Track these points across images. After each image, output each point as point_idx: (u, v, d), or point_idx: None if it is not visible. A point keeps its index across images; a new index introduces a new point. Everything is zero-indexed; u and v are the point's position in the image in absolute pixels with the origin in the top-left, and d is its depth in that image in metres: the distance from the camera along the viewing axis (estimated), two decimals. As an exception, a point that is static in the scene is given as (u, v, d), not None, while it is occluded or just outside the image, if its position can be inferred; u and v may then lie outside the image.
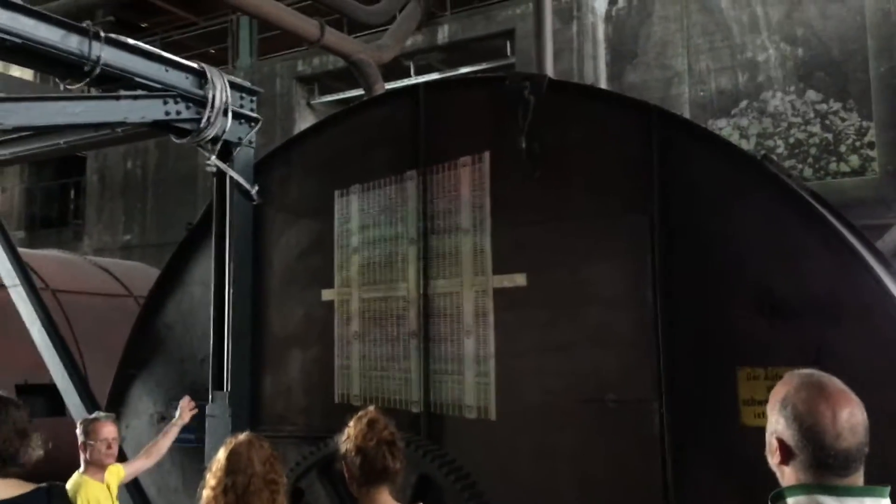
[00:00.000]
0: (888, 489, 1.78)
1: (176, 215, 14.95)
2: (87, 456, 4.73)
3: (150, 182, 16.19)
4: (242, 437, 3.10)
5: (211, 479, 3.00)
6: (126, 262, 12.85)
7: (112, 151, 16.18)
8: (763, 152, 5.66)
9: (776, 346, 4.30)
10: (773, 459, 1.87)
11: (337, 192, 5.89)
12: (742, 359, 4.34)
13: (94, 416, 4.99)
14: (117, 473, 4.98)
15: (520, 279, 5.06)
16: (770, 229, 4.40)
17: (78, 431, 4.83)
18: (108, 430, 4.77)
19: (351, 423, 2.93)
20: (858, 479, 1.80)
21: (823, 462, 1.78)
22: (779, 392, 1.91)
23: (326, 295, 5.87)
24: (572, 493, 4.73)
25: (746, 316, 4.39)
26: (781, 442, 1.83)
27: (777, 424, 1.86)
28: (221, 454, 3.05)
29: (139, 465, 5.26)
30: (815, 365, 4.11)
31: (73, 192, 18.36)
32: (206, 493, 3.04)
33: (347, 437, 2.93)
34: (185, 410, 5.51)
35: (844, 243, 4.31)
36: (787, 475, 1.82)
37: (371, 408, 3.01)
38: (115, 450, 4.81)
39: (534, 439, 4.88)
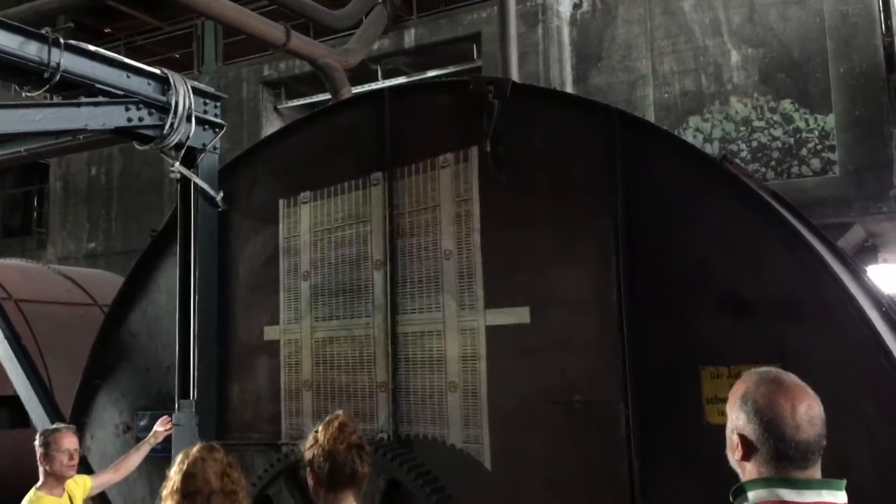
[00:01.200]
0: (844, 482, 1.82)
1: (142, 222, 14.77)
2: (48, 468, 4.65)
3: (115, 189, 15.99)
4: (195, 451, 3.04)
5: (167, 498, 2.93)
6: (91, 271, 12.68)
7: (76, 158, 15.95)
8: (724, 153, 5.72)
9: (739, 344, 4.36)
10: (734, 456, 1.90)
11: (282, 202, 5.84)
12: (705, 358, 4.39)
13: (53, 427, 4.91)
14: (83, 485, 4.91)
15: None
16: (731, 230, 4.47)
17: (37, 444, 4.73)
18: (69, 441, 4.69)
19: (319, 428, 2.91)
20: (816, 471, 1.85)
21: (784, 454, 1.82)
22: (738, 389, 1.95)
23: (269, 333, 5.78)
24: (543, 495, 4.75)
25: (709, 315, 4.45)
26: (743, 437, 1.87)
27: (738, 420, 1.90)
28: (175, 475, 2.99)
29: (107, 478, 5.18)
30: (777, 363, 4.19)
31: (36, 200, 18.08)
32: None
33: (315, 443, 2.90)
34: (159, 430, 5.42)
35: (804, 243, 4.38)
36: (747, 470, 1.85)
37: (340, 412, 2.99)
38: (76, 461, 4.73)
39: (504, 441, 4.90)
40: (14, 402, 7.37)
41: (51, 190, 16.89)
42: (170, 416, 5.57)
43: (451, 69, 12.96)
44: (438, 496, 4.74)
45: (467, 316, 5.10)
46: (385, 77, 13.53)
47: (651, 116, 10.73)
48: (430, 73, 13.19)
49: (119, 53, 5.99)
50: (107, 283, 11.07)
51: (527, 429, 4.84)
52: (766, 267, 4.38)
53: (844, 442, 4.01)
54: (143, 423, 6.03)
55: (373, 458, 3.74)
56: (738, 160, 9.32)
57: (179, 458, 2.97)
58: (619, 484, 4.52)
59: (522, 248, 4.98)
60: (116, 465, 5.24)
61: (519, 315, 4.94)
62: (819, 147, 10.04)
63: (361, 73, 12.98)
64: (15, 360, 6.49)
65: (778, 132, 10.24)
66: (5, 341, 6.53)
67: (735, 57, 10.60)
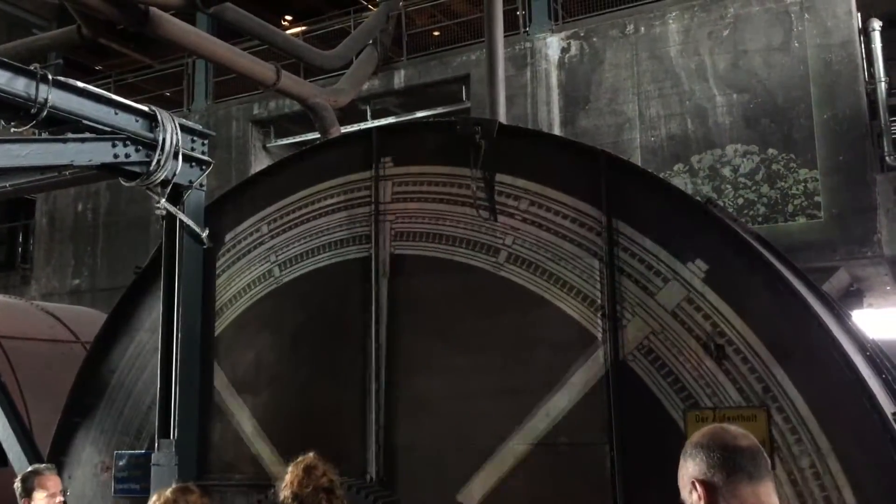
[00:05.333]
0: None
1: (127, 259, 14.68)
2: None
3: (102, 225, 15.93)
4: (168, 493, 3.02)
5: None
6: (75, 308, 12.58)
7: (62, 194, 15.91)
8: (707, 197, 5.78)
9: (723, 387, 4.35)
10: None
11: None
12: (690, 401, 4.38)
13: (33, 468, 4.81)
14: None
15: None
16: (715, 273, 4.48)
17: (16, 486, 4.64)
18: (52, 484, 4.60)
19: (289, 469, 2.89)
20: (770, 487, 1.88)
21: (734, 463, 1.87)
22: (685, 453, 2.01)
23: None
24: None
25: (694, 358, 4.44)
26: (698, 482, 1.88)
27: (690, 470, 1.95)
28: None
29: None
30: (761, 406, 4.18)
31: (21, 236, 17.98)
32: None
33: (286, 484, 2.89)
34: None
35: (788, 286, 4.39)
36: None
37: (311, 454, 2.96)
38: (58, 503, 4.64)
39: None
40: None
41: (36, 226, 16.82)
42: (126, 486, 5.42)
43: (440, 110, 13.07)
44: (420, 540, 4.67)
45: (451, 354, 5.08)
46: (374, 117, 13.63)
47: (637, 159, 10.82)
48: (419, 114, 13.29)
49: (110, 90, 6.01)
50: (90, 320, 10.96)
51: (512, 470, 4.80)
52: (751, 310, 4.39)
53: (824, 486, 4.00)
54: (122, 462, 5.92)
55: (356, 499, 3.69)
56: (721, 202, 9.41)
57: (153, 499, 2.94)
58: (603, 528, 4.48)
59: (510, 286, 4.98)
60: None
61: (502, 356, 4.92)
62: (803, 189, 10.13)
63: (351, 112, 13.07)
64: (-7, 397, 6.40)
65: (760, 175, 10.33)
66: (-16, 378, 6.45)
67: (720, 102, 10.74)
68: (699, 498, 1.87)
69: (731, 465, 1.85)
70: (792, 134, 10.32)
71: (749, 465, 1.86)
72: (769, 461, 1.96)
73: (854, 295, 11.59)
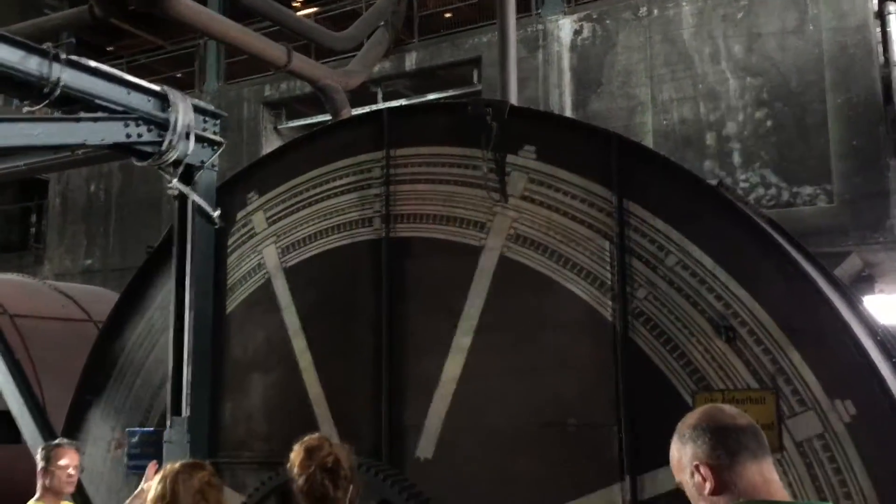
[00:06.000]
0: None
1: (139, 239, 14.75)
2: (46, 482, 4.61)
3: (114, 205, 16.00)
4: (176, 466, 3.05)
5: None
6: (87, 287, 12.66)
7: (75, 174, 15.98)
8: (720, 180, 5.76)
9: (733, 369, 4.35)
10: (706, 493, 1.85)
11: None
12: (700, 382, 4.38)
13: (56, 442, 4.86)
14: None
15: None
16: (727, 255, 4.47)
17: (38, 457, 4.70)
18: (70, 458, 4.65)
19: (294, 448, 2.90)
20: (771, 462, 1.87)
21: (737, 443, 1.85)
22: (681, 436, 1.96)
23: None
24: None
25: (704, 339, 4.45)
26: (702, 465, 1.85)
27: (689, 454, 1.90)
28: (154, 487, 3.01)
29: None
30: (770, 389, 4.19)
31: (34, 216, 18.08)
32: None
33: (290, 464, 2.90)
34: (150, 475, 5.28)
35: (799, 270, 4.39)
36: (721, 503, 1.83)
37: (316, 434, 2.97)
38: (75, 478, 4.69)
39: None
40: (5, 417, 7.33)
41: (49, 206, 16.90)
42: (159, 460, 5.45)
43: (451, 93, 13.03)
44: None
45: (463, 336, 5.10)
46: (385, 99, 13.60)
47: (650, 143, 10.76)
48: (431, 96, 13.26)
49: (121, 72, 6.02)
50: (103, 299, 11.02)
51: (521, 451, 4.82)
52: (762, 293, 4.38)
53: (839, 468, 4.01)
54: (134, 439, 5.97)
55: (365, 479, 3.71)
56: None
57: (161, 472, 2.98)
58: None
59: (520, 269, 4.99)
60: None
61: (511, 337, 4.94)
62: (815, 174, 10.08)
63: (362, 95, 13.05)
64: (8, 375, 6.47)
65: (776, 172, 10.26)
66: (-1, 355, 6.51)
67: (733, 85, 10.66)
68: (704, 480, 1.85)
69: (734, 444, 1.84)
70: (805, 118, 10.24)
71: (752, 444, 1.85)
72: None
73: (866, 280, 11.55)
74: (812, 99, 10.23)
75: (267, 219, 5.95)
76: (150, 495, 2.94)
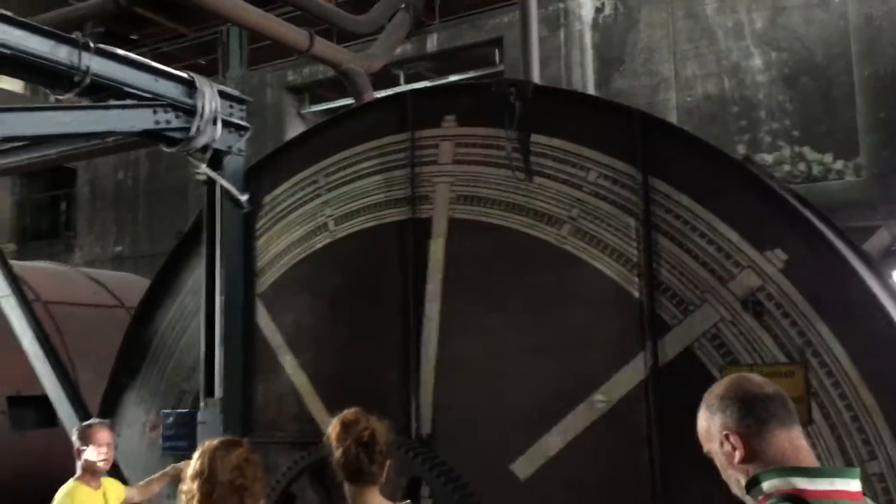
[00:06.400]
0: (858, 471, 1.84)
1: (168, 226, 14.93)
2: (82, 462, 4.73)
3: (142, 192, 16.19)
4: (214, 442, 3.11)
5: (183, 485, 3.04)
6: (118, 274, 12.83)
7: (102, 162, 16.17)
8: (746, 155, 5.74)
9: (762, 344, 4.36)
10: (736, 461, 1.87)
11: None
12: (727, 357, 4.40)
13: (89, 422, 4.98)
14: (119, 491, 4.94)
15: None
16: (753, 230, 4.47)
17: (73, 438, 4.83)
18: (103, 436, 4.76)
19: (332, 423, 2.96)
20: (800, 429, 1.89)
21: (766, 411, 1.86)
22: (710, 406, 1.97)
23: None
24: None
25: (732, 314, 4.46)
26: (732, 434, 1.87)
27: (718, 423, 1.91)
28: (193, 461, 3.09)
29: (131, 494, 5.15)
30: (798, 363, 4.20)
31: (63, 204, 18.33)
32: (181, 499, 3.09)
33: (327, 438, 2.97)
34: (178, 466, 5.34)
35: (827, 244, 4.38)
36: (752, 470, 1.85)
37: (352, 409, 3.03)
38: (109, 456, 4.79)
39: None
40: (40, 402, 7.48)
41: (78, 194, 17.14)
42: (193, 441, 5.54)
43: (473, 74, 13.02)
44: (461, 494, 4.77)
45: (490, 315, 5.14)
46: (407, 81, 13.62)
47: (674, 119, 10.71)
48: (453, 78, 13.25)
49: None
50: (133, 285, 11.18)
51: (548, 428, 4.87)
52: (790, 267, 4.38)
53: (868, 440, 4.01)
54: (169, 421, 6.09)
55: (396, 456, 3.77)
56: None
57: (200, 449, 3.05)
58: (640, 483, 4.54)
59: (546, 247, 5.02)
60: (140, 487, 5.22)
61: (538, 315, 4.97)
62: (844, 149, 9.98)
63: (384, 77, 13.06)
64: (44, 359, 6.60)
65: (804, 147, 10.16)
66: (35, 341, 6.64)
67: (758, 60, 10.56)
68: (733, 448, 1.86)
69: (763, 413, 1.86)
70: (832, 92, 10.14)
71: (780, 411, 1.87)
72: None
73: (894, 254, 11.44)
74: (838, 72, 10.13)
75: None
76: (189, 472, 3.01)
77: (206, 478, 2.93)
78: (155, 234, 15.68)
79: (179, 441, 6.03)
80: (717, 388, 1.96)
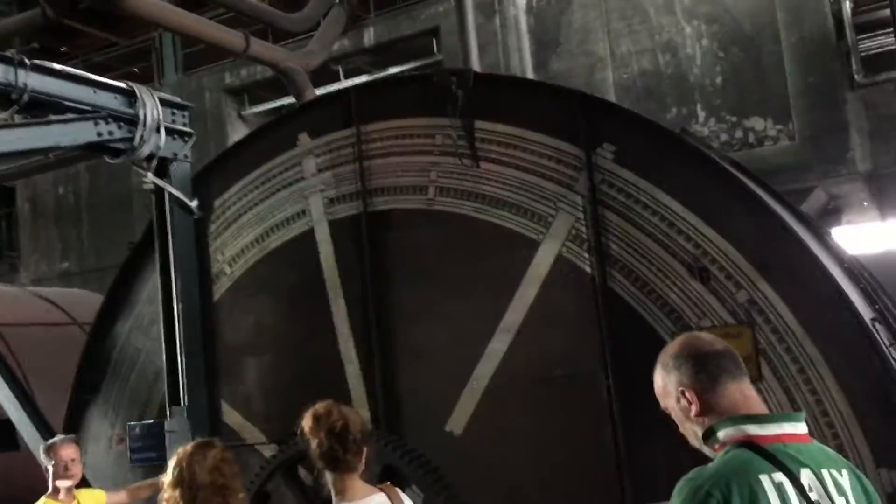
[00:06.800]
0: (803, 414, 1.99)
1: (114, 238, 14.70)
2: (50, 479, 4.73)
3: (84, 206, 15.91)
4: (188, 448, 3.17)
5: (164, 494, 3.10)
6: (67, 290, 12.62)
7: (42, 179, 15.83)
8: (682, 127, 5.92)
9: (709, 307, 4.54)
10: (693, 415, 1.99)
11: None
12: (678, 322, 4.56)
13: (54, 439, 4.98)
14: (98, 498, 4.95)
15: (463, 268, 5.23)
16: (695, 199, 4.64)
17: (41, 457, 4.82)
18: (66, 452, 4.77)
19: (305, 417, 3.04)
20: (748, 381, 2.03)
21: (717, 366, 2.00)
22: (665, 365, 2.09)
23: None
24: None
25: (680, 281, 4.63)
26: (687, 389, 2.00)
27: (674, 380, 2.04)
28: (169, 466, 3.14)
29: (119, 499, 5.16)
30: (745, 324, 4.38)
31: (4, 224, 17.91)
32: None
33: (301, 432, 3.04)
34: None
35: (765, 207, 4.56)
36: (707, 421, 1.98)
37: (326, 402, 3.10)
38: (73, 471, 4.79)
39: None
40: (2, 424, 7.39)
41: (19, 212, 16.77)
42: (143, 455, 5.53)
43: (412, 65, 13.06)
44: (433, 478, 4.88)
45: (447, 301, 5.24)
46: (347, 76, 13.60)
47: (612, 97, 10.89)
48: (392, 70, 13.28)
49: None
50: (85, 301, 11.03)
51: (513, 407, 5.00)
52: (731, 233, 4.56)
53: (815, 390, 4.22)
54: (135, 432, 6.07)
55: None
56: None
57: (175, 456, 3.10)
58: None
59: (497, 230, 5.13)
60: (130, 490, 5.23)
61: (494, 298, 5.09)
62: (777, 115, 10.28)
63: (323, 74, 13.04)
64: (3, 383, 6.51)
65: (738, 115, 10.44)
66: (-9, 364, 6.56)
67: (689, 34, 10.81)
68: (689, 403, 1.99)
69: (714, 368, 1.98)
70: (762, 60, 10.42)
71: (731, 366, 2.00)
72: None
73: (832, 213, 11.84)
74: (767, 40, 10.41)
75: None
76: (168, 479, 3.06)
77: (188, 483, 2.99)
78: (101, 248, 15.43)
79: (149, 452, 6.01)
80: (671, 348, 2.08)
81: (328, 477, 3.03)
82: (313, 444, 3.00)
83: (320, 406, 3.10)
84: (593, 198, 4.86)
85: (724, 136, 10.45)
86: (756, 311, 4.46)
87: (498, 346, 5.06)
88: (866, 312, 4.65)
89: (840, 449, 4.19)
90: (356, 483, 3.02)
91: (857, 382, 4.25)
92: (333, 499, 3.03)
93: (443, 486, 4.90)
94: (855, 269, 5.49)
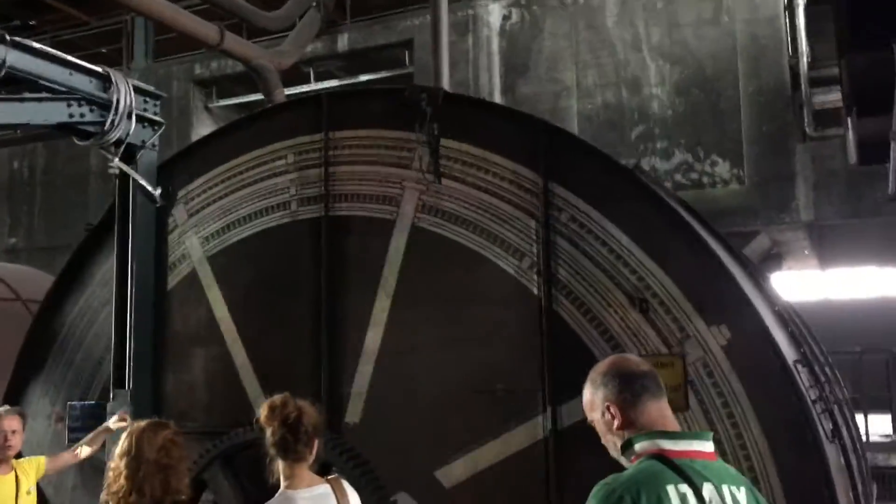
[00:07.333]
0: (711, 434, 2.22)
1: (67, 218, 14.60)
2: None
3: (38, 183, 15.73)
4: (142, 424, 3.32)
5: (111, 464, 3.25)
6: (13, 266, 12.48)
7: (-4, 151, 15.68)
8: (636, 163, 6.19)
9: (645, 336, 4.79)
10: (615, 428, 2.22)
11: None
12: (616, 349, 4.80)
13: None
14: (36, 465, 5.02)
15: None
16: (642, 233, 4.90)
17: None
18: (6, 423, 4.83)
19: (262, 406, 3.20)
20: (666, 401, 2.25)
21: (640, 385, 2.23)
22: (594, 382, 2.31)
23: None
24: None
25: (621, 310, 4.87)
26: (612, 404, 2.22)
27: (601, 396, 2.27)
28: (122, 442, 3.28)
29: (64, 459, 5.21)
30: (678, 354, 4.63)
31: (-47, 194, 17.59)
32: (108, 475, 3.28)
33: (257, 420, 3.20)
34: (111, 424, 5.40)
35: (705, 248, 4.84)
36: (626, 435, 2.20)
37: (283, 394, 3.26)
38: (13, 442, 4.86)
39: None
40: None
41: (-30, 184, 16.50)
42: (80, 435, 5.60)
43: (383, 74, 13.25)
44: (368, 478, 5.03)
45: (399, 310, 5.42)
46: (317, 79, 13.73)
47: (574, 126, 11.23)
48: (363, 78, 13.45)
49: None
50: (30, 277, 10.95)
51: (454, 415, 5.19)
52: (672, 268, 4.82)
53: (736, 423, 4.48)
54: (75, 412, 6.11)
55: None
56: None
57: (128, 430, 3.24)
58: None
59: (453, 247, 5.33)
60: (73, 449, 5.29)
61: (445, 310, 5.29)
62: (729, 160, 10.68)
63: (294, 75, 13.16)
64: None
65: (693, 156, 10.82)
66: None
67: (653, 71, 11.18)
68: (612, 417, 2.22)
69: (638, 387, 2.21)
70: (720, 104, 10.84)
71: (652, 386, 2.23)
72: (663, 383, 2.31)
73: (774, 258, 12.31)
74: (726, 86, 10.83)
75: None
76: (117, 451, 3.19)
77: (134, 456, 3.12)
78: (52, 227, 15.28)
79: (86, 432, 6.04)
80: (601, 367, 2.31)
81: (280, 465, 3.19)
82: (267, 432, 3.15)
83: (277, 397, 3.26)
84: (546, 223, 5.08)
85: (678, 175, 10.82)
86: (689, 344, 4.72)
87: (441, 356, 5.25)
88: (791, 354, 4.94)
89: (754, 481, 4.47)
90: (304, 472, 3.18)
91: (775, 419, 4.53)
92: (281, 485, 3.19)
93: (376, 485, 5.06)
94: (785, 313, 5.81)
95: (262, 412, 3.20)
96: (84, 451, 5.23)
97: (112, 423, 5.27)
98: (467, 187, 5.34)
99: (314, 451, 3.21)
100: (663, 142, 11.01)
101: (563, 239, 5.08)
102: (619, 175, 5.12)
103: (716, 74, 10.89)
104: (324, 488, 3.21)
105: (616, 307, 4.90)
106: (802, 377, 4.79)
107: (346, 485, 3.32)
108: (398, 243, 5.46)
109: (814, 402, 4.70)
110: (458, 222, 5.34)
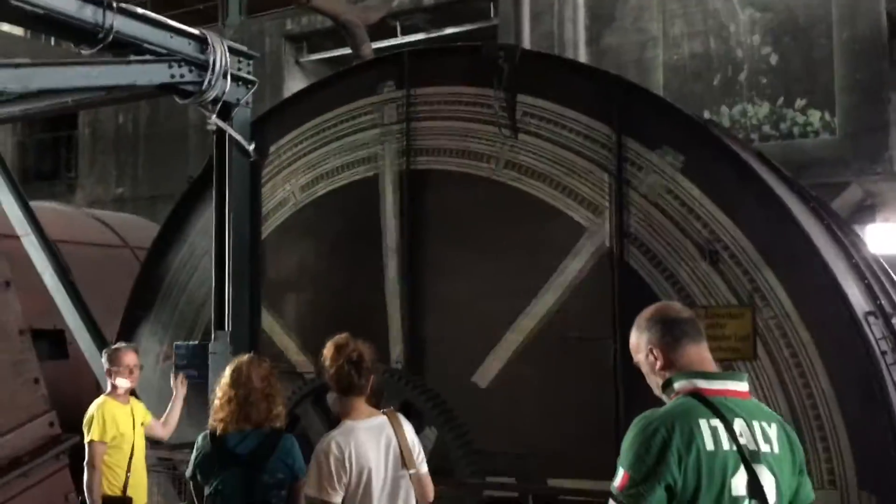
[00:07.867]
0: (745, 375, 2.41)
1: (168, 169, 15.33)
2: (112, 381, 5.27)
3: (142, 136, 16.55)
4: (245, 357, 3.72)
5: (218, 391, 3.66)
6: (121, 215, 13.23)
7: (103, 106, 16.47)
8: (708, 116, 6.17)
9: (715, 288, 4.92)
10: (657, 369, 2.41)
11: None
12: (686, 299, 4.95)
13: (117, 345, 5.52)
14: (144, 413, 5.49)
15: (493, 230, 5.65)
16: (712, 185, 4.99)
17: (103, 360, 5.37)
18: (129, 358, 5.31)
19: (326, 345, 3.50)
20: (706, 345, 2.43)
21: (680, 330, 2.41)
22: (639, 326, 2.51)
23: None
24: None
25: (691, 261, 5.01)
26: (655, 347, 2.41)
27: (645, 339, 2.46)
28: (227, 371, 3.69)
29: (157, 430, 5.62)
30: (747, 306, 4.75)
31: (64, 146, 18.65)
32: (215, 402, 3.70)
33: (323, 358, 3.51)
34: (179, 386, 5.86)
35: (776, 199, 4.90)
36: (667, 375, 2.41)
37: (344, 334, 3.55)
38: (135, 375, 5.34)
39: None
40: (53, 335, 7.99)
41: (80, 136, 17.46)
42: (204, 371, 6.07)
43: (468, 27, 13.33)
44: (446, 417, 5.36)
45: (473, 259, 5.68)
46: (403, 33, 13.92)
47: (660, 77, 11.13)
48: (448, 31, 13.58)
49: (145, 5, 6.46)
50: (136, 226, 11.62)
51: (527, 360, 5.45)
52: (742, 220, 4.91)
53: (804, 373, 4.60)
54: (181, 352, 6.62)
55: (388, 384, 4.33)
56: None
57: (232, 363, 3.63)
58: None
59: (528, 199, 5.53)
60: (163, 421, 5.70)
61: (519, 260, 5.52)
62: (821, 109, 10.42)
63: (382, 29, 13.38)
64: (64, 293, 7.11)
65: (783, 105, 10.58)
66: (55, 276, 7.15)
67: (743, 20, 10.94)
68: (655, 359, 2.43)
69: (679, 332, 2.41)
70: (812, 53, 10.55)
71: (692, 331, 2.42)
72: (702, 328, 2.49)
73: (868, 209, 11.98)
74: (819, 34, 10.51)
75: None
76: (225, 380, 3.59)
77: (244, 382, 3.52)
78: (155, 178, 16.08)
79: (192, 370, 6.57)
80: (646, 312, 2.51)
81: (338, 400, 3.49)
82: (332, 370, 3.45)
83: (340, 337, 3.55)
84: (619, 176, 5.22)
85: (767, 126, 10.63)
86: (758, 296, 4.83)
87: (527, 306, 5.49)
88: (864, 306, 4.98)
89: (821, 430, 4.59)
90: (362, 405, 3.48)
91: (842, 370, 4.62)
92: (342, 417, 3.50)
93: (454, 425, 5.38)
94: (864, 264, 5.79)
95: (328, 351, 3.47)
96: (170, 423, 5.65)
97: (181, 390, 5.71)
98: (543, 141, 5.51)
99: (370, 386, 3.49)
100: (751, 92, 10.81)
101: (635, 192, 5.21)
102: (692, 128, 5.20)
103: (808, 22, 10.58)
104: (381, 419, 3.47)
105: (686, 259, 5.03)
106: (874, 329, 4.83)
107: (401, 417, 3.57)
108: (473, 196, 5.69)
109: (883, 353, 4.74)
110: (534, 176, 5.53)
